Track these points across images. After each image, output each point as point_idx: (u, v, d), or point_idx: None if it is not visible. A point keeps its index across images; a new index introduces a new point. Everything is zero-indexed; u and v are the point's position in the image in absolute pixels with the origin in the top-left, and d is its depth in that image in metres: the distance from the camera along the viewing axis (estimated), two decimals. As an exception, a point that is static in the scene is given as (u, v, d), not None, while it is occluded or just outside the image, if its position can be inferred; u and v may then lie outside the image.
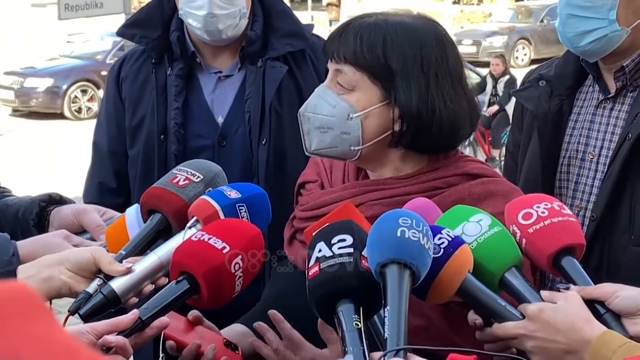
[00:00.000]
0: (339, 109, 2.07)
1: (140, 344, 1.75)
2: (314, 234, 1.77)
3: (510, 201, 2.00)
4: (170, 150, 2.92)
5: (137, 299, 1.84)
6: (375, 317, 1.70)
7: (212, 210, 1.94)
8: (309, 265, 1.69)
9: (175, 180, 2.04)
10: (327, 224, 1.83)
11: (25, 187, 12.44)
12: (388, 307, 1.56)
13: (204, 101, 2.98)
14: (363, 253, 1.66)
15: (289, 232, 2.23)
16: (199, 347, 1.99)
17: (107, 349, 1.67)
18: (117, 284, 1.81)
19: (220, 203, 1.95)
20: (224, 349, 2.04)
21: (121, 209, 2.26)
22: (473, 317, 1.82)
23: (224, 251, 1.77)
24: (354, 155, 2.09)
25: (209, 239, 1.79)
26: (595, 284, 1.81)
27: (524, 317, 1.74)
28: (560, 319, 1.70)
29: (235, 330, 2.19)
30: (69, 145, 15.15)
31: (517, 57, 25.04)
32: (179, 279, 1.79)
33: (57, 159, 14.06)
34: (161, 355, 1.88)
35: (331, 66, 2.11)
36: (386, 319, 1.55)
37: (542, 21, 25.79)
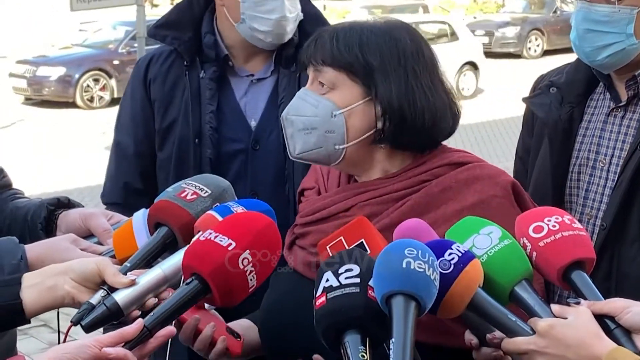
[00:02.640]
0: (322, 108, 2.11)
1: (145, 355, 1.74)
2: (321, 263, 1.79)
3: (497, 183, 2.06)
4: (205, 154, 2.92)
5: (140, 312, 1.84)
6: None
7: None
8: (317, 295, 1.70)
9: (183, 195, 2.04)
10: (340, 237, 1.88)
11: (37, 176, 12.45)
12: (393, 339, 1.57)
13: (237, 105, 2.98)
14: (370, 283, 1.67)
15: (290, 238, 2.25)
16: (198, 321, 2.05)
17: None
18: (121, 296, 1.82)
19: None
20: (226, 333, 2.10)
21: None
22: (469, 337, 1.85)
23: (230, 248, 1.78)
24: (338, 156, 2.12)
25: (216, 237, 1.80)
26: (603, 293, 1.82)
27: (534, 332, 1.74)
28: (571, 335, 1.71)
29: (240, 324, 2.25)
30: (81, 134, 15.19)
31: (529, 48, 24.92)
32: (188, 280, 1.80)
33: (69, 147, 14.10)
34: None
35: (310, 71, 2.16)
36: (391, 352, 1.56)
37: (555, 12, 25.69)
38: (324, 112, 2.10)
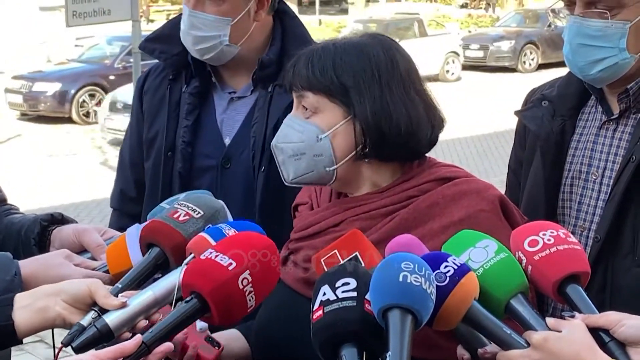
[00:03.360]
0: (307, 133, 2.14)
1: None
2: (319, 277, 1.79)
3: (484, 197, 2.09)
4: (175, 168, 2.93)
5: (130, 334, 1.83)
6: None
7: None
8: (314, 309, 1.71)
9: (175, 215, 2.05)
10: (334, 250, 1.89)
11: (33, 191, 12.43)
12: (390, 352, 1.58)
13: (215, 121, 2.97)
14: (367, 297, 1.67)
15: (284, 254, 2.26)
16: None
17: None
18: (111, 318, 1.82)
19: (217, 241, 1.95)
20: (202, 341, 2.12)
21: (140, 218, 2.26)
22: (461, 352, 1.86)
23: (230, 267, 1.78)
24: (330, 178, 2.16)
25: (216, 256, 1.81)
26: (598, 305, 1.83)
27: (529, 345, 1.75)
28: (565, 348, 1.72)
29: (225, 334, 2.27)
30: (77, 149, 15.19)
31: (524, 62, 25.02)
32: (187, 298, 1.81)
33: (65, 163, 14.10)
34: None
35: (294, 96, 2.19)
36: None
37: (549, 26, 25.76)
38: (309, 137, 2.13)
